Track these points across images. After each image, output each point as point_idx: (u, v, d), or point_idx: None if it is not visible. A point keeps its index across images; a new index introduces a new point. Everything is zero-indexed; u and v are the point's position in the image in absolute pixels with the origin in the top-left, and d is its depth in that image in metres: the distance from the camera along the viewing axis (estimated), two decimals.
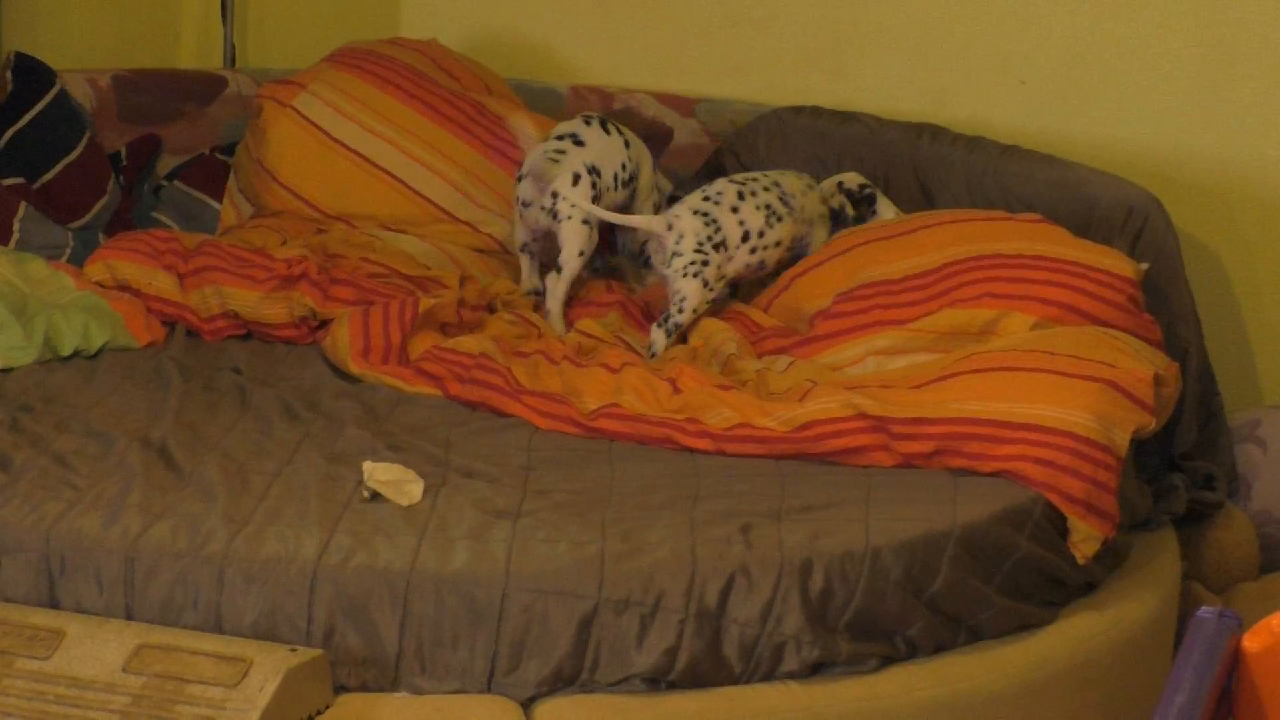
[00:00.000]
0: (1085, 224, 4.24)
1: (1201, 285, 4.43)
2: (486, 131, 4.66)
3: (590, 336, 4.03)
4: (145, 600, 3.03)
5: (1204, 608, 2.47)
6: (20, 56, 4.64)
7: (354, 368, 3.87)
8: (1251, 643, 2.44)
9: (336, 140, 4.60)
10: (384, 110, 4.63)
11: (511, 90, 4.93)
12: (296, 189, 4.58)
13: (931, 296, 3.98)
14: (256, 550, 3.05)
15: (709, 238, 4.09)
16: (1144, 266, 4.11)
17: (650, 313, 4.23)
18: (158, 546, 3.05)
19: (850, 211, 4.39)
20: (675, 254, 4.09)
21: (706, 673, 3.08)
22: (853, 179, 4.44)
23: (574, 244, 4.20)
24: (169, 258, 4.19)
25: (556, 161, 4.25)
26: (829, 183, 4.44)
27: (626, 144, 4.38)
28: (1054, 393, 3.59)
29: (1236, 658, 2.45)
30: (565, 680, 3.03)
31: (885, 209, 4.41)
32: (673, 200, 4.36)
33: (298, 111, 4.64)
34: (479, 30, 5.21)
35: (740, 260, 4.14)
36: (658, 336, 4.06)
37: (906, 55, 4.87)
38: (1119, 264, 4.00)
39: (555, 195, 4.22)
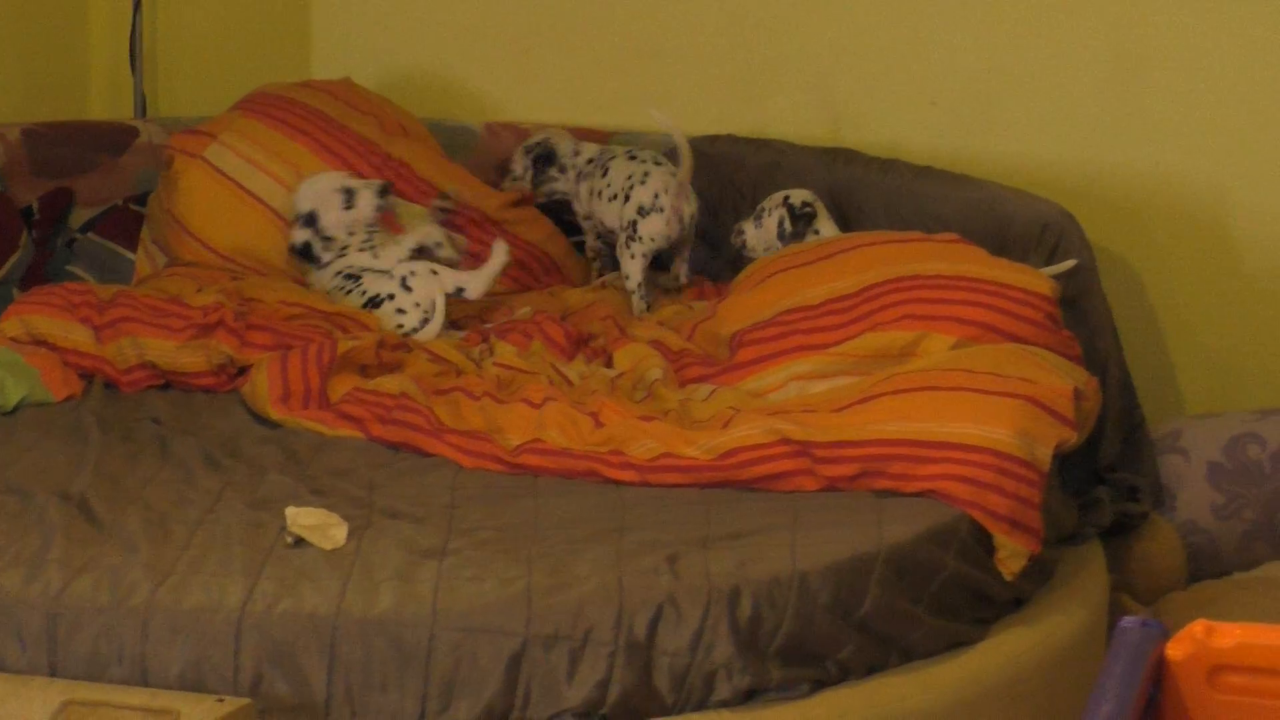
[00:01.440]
0: (1001, 242, 4.26)
1: (1118, 298, 4.45)
2: (396, 181, 4.65)
3: (510, 368, 4.02)
4: (69, 656, 3.00)
5: (1127, 617, 2.48)
6: None
7: (274, 413, 3.85)
8: (1175, 651, 2.45)
9: (247, 191, 4.59)
10: (294, 160, 4.62)
11: (427, 129, 4.93)
12: (207, 240, 4.56)
13: (851, 320, 3.99)
14: (180, 600, 3.03)
15: None
16: (1070, 264, 4.14)
17: (576, 338, 4.24)
18: (80, 601, 3.02)
19: (789, 226, 4.41)
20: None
21: (639, 705, 3.06)
22: (799, 195, 4.47)
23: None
24: (84, 310, 4.16)
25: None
26: (777, 194, 4.49)
27: None
28: (975, 411, 3.60)
29: (1161, 666, 2.46)
30: (497, 718, 3.02)
31: (827, 227, 4.43)
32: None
33: (208, 162, 4.62)
34: (393, 69, 5.21)
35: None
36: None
37: (818, 81, 4.89)
38: (1036, 282, 4.02)
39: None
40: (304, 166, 4.60)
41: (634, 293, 4.50)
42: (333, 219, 4.40)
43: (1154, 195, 4.64)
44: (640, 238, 4.48)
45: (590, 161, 4.69)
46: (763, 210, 4.47)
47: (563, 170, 4.74)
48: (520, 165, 4.76)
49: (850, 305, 4.02)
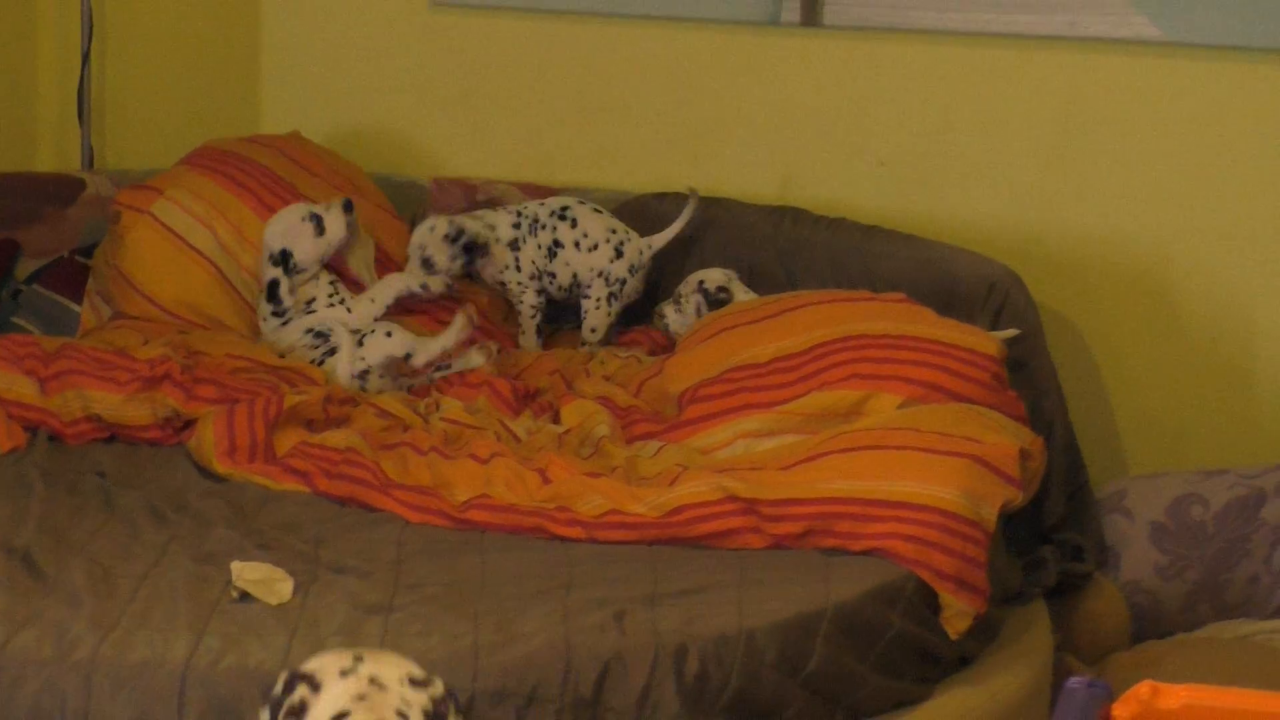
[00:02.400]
0: (947, 301, 4.28)
1: (1063, 359, 4.48)
2: None
3: (457, 424, 4.02)
4: (11, 711, 2.97)
5: (1073, 677, 2.48)
6: None
7: (220, 467, 3.84)
8: (1121, 711, 2.46)
9: (192, 247, 4.58)
10: (237, 219, 4.61)
11: (375, 185, 4.93)
12: (153, 295, 4.55)
13: (799, 379, 4.00)
14: (125, 655, 3.01)
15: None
16: (1013, 333, 4.16)
17: (523, 393, 4.23)
18: (23, 655, 3.00)
19: (705, 311, 4.47)
20: None
21: None
22: (713, 279, 4.52)
23: None
24: (29, 363, 4.14)
25: None
26: (692, 276, 4.55)
27: None
28: (921, 470, 3.61)
29: None
30: None
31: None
32: None
33: (155, 218, 4.60)
34: (341, 123, 5.21)
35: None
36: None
37: (765, 139, 4.91)
38: (982, 342, 4.04)
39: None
40: (247, 226, 4.59)
41: (598, 346, 4.55)
42: (307, 249, 4.44)
43: (1098, 257, 4.67)
44: (623, 295, 4.56)
45: (535, 221, 4.62)
46: (680, 295, 4.54)
47: (487, 252, 4.59)
48: (447, 254, 4.55)
49: (798, 364, 4.04)
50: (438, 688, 2.58)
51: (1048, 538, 4.17)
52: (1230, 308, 4.61)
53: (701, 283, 4.51)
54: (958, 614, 3.48)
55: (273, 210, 4.60)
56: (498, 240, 4.60)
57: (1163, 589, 4.29)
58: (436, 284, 4.51)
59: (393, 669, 2.57)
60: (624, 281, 4.56)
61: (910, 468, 3.62)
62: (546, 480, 3.72)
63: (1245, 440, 4.61)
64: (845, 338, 4.06)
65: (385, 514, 3.67)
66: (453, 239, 4.51)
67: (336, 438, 3.89)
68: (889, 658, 3.37)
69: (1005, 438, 3.76)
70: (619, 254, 4.56)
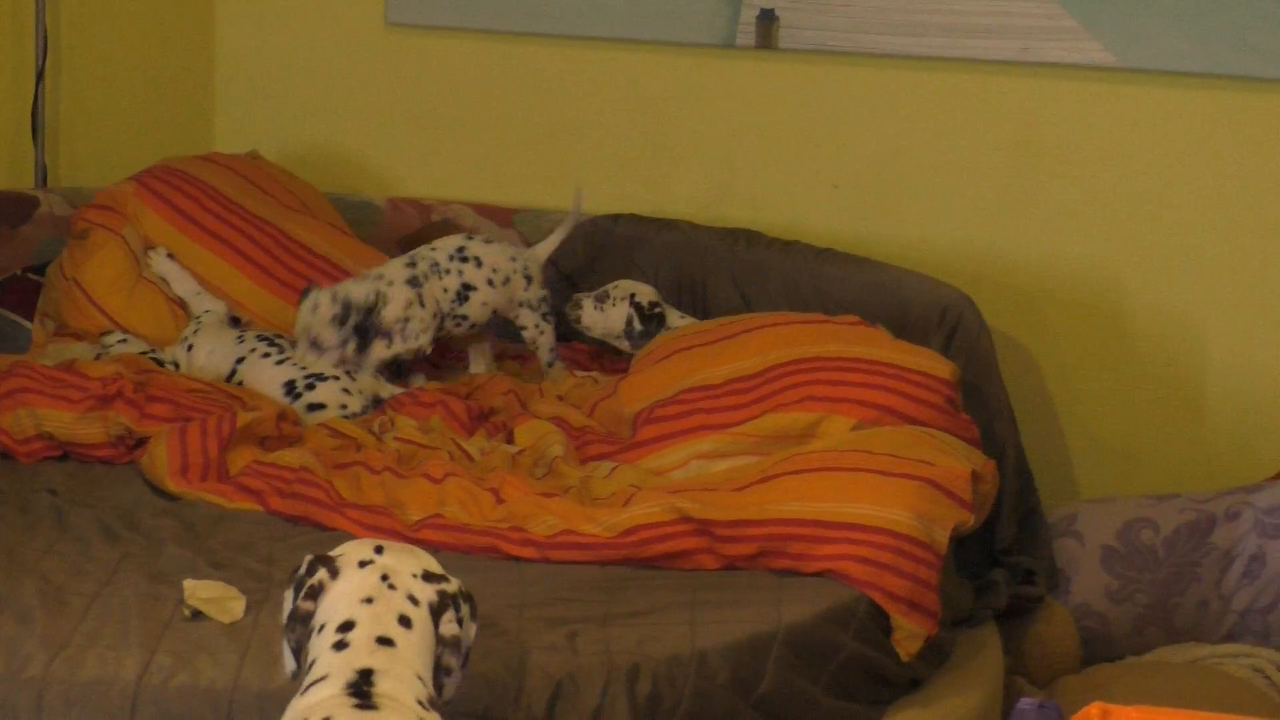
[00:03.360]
0: (900, 325, 4.29)
1: (1016, 382, 4.50)
2: (286, 266, 4.64)
3: (411, 443, 4.02)
4: None
5: (1024, 699, 2.49)
6: None
7: (172, 486, 3.83)
8: None
9: (147, 276, 4.58)
10: (179, 251, 4.61)
11: (330, 204, 4.93)
12: (108, 308, 4.53)
13: (753, 401, 4.01)
14: (76, 673, 3.00)
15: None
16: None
17: (476, 413, 4.23)
18: None
19: (638, 325, 4.48)
20: None
21: None
22: (646, 294, 4.53)
23: None
24: None
25: None
26: (624, 283, 4.54)
27: None
28: (874, 492, 3.62)
29: None
30: None
31: (677, 323, 4.50)
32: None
33: (125, 241, 4.60)
34: (295, 143, 5.20)
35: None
36: None
37: (720, 162, 4.93)
38: (936, 365, 4.06)
39: None
40: (190, 260, 4.59)
41: (556, 361, 4.53)
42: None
43: (1050, 282, 4.69)
44: (551, 310, 4.51)
45: (434, 265, 4.40)
46: (607, 295, 4.54)
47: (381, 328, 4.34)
48: (336, 336, 4.31)
49: (752, 386, 4.04)
50: (452, 585, 2.74)
51: (999, 561, 4.18)
52: (1182, 333, 4.64)
53: (634, 295, 4.51)
54: (909, 636, 3.49)
55: (220, 239, 4.62)
56: (390, 284, 4.33)
57: (1113, 612, 4.30)
58: (327, 365, 4.29)
59: (409, 563, 2.74)
60: (545, 298, 4.50)
61: (863, 490, 3.63)
62: (500, 500, 3.72)
63: (1196, 465, 4.63)
64: (799, 360, 4.07)
65: (338, 533, 3.66)
66: (341, 320, 4.27)
67: (289, 457, 3.88)
68: (841, 679, 3.38)
69: (957, 461, 3.77)
70: (529, 279, 4.49)
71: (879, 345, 4.10)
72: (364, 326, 4.29)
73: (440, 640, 2.70)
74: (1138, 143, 4.63)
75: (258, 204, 4.75)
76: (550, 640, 3.18)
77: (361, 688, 2.58)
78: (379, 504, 3.72)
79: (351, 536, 3.61)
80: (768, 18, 4.81)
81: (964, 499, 3.70)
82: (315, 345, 4.29)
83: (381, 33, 5.16)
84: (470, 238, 4.51)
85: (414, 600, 2.70)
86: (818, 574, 3.51)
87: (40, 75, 5.17)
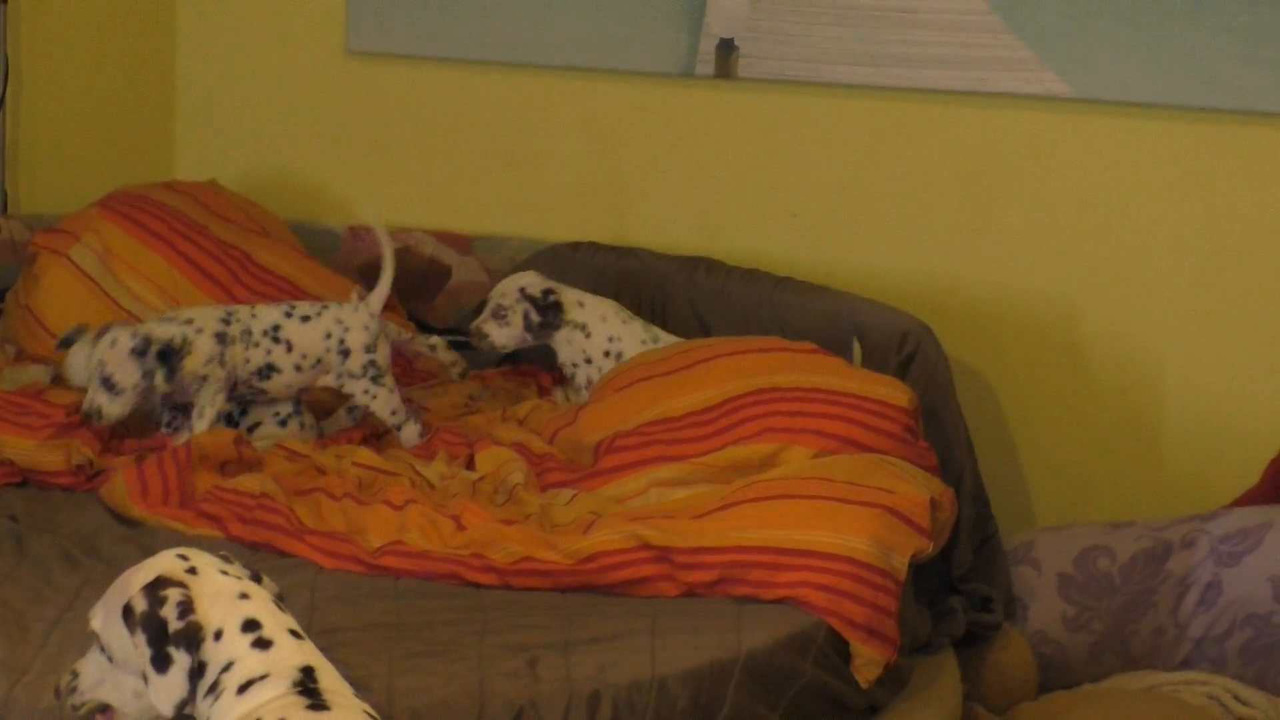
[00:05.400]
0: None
1: (974, 411, 4.52)
2: (248, 288, 4.64)
3: (371, 469, 4.02)
4: None
5: None
6: None
7: (134, 510, 3.82)
8: None
9: (107, 294, 4.58)
10: (146, 269, 4.61)
11: (290, 232, 4.93)
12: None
13: (713, 433, 4.02)
14: (37, 699, 2.99)
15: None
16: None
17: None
18: None
19: (535, 318, 4.44)
20: None
21: None
22: (534, 284, 4.48)
23: None
24: None
25: None
26: (508, 287, 4.48)
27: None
28: (833, 519, 3.64)
29: None
30: None
31: (578, 311, 4.47)
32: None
33: (72, 261, 4.60)
34: (255, 171, 5.21)
35: None
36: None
37: (680, 190, 4.95)
38: (894, 393, 4.07)
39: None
40: (158, 277, 4.59)
41: (405, 421, 4.31)
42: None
43: (1006, 309, 4.72)
44: (383, 370, 4.28)
45: (246, 331, 4.21)
46: (502, 308, 4.45)
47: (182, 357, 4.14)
48: (137, 370, 4.06)
49: (711, 418, 4.06)
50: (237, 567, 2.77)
51: (956, 588, 4.20)
52: (1138, 361, 4.66)
53: (523, 289, 4.46)
54: (868, 663, 3.50)
55: (186, 259, 4.62)
56: (199, 331, 4.13)
57: (1069, 640, 4.32)
58: (114, 409, 4.04)
59: (210, 557, 2.78)
60: (371, 362, 4.26)
61: (822, 517, 3.64)
62: (461, 527, 3.73)
63: (1152, 492, 4.66)
64: (757, 391, 4.08)
65: (298, 560, 3.66)
66: (140, 352, 4.04)
67: (250, 483, 3.88)
68: (800, 706, 3.39)
69: (916, 488, 3.79)
70: (345, 353, 4.25)
71: (837, 374, 4.12)
72: (168, 352, 4.06)
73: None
74: (1093, 172, 4.66)
75: (220, 229, 4.75)
76: (511, 666, 3.19)
77: (308, 685, 2.60)
78: (340, 530, 3.72)
79: (312, 563, 3.64)
80: (727, 47, 4.84)
81: (923, 526, 3.72)
82: (107, 384, 4.02)
83: (342, 61, 5.17)
84: (290, 314, 4.25)
85: (257, 579, 2.76)
86: (777, 601, 3.52)
87: (1, 101, 5.16)
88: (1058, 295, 4.70)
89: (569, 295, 4.49)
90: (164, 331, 4.10)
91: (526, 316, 4.44)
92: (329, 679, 2.62)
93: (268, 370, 4.22)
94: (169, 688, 2.66)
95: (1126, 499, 4.66)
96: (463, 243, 4.94)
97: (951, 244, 4.75)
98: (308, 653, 2.66)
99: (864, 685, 3.50)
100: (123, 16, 5.30)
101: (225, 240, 4.72)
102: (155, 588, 2.69)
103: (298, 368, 4.24)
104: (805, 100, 4.84)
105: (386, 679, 3.10)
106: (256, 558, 3.67)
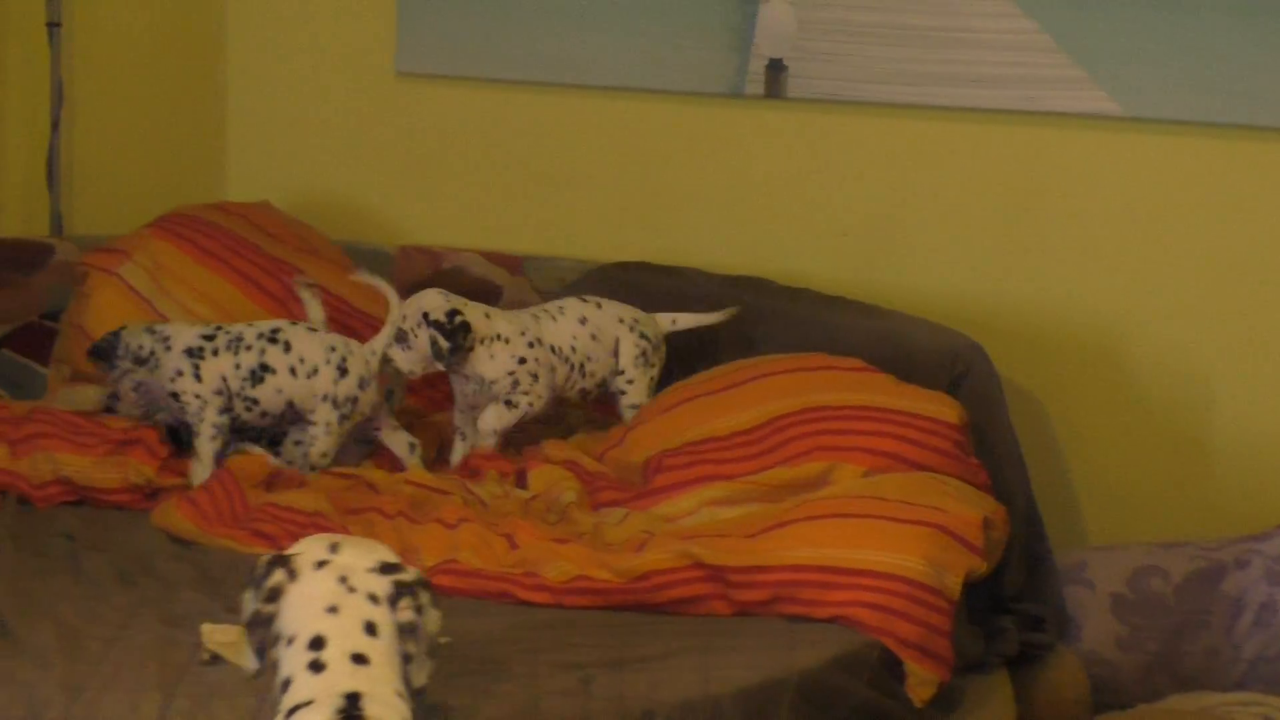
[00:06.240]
0: (908, 373, 4.29)
1: (1024, 430, 4.50)
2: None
3: (424, 487, 4.04)
4: None
5: None
6: None
7: (187, 530, 3.84)
8: None
9: (158, 312, 4.60)
10: (200, 285, 4.63)
11: (342, 252, 4.95)
12: None
13: (761, 453, 4.02)
14: (94, 715, 3.01)
15: None
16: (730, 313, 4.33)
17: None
18: None
19: (444, 344, 4.16)
20: None
21: None
22: (436, 307, 4.20)
23: None
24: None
25: None
26: (411, 309, 4.20)
27: None
28: (885, 538, 3.63)
29: None
30: None
31: (486, 324, 4.25)
32: None
33: (122, 280, 4.63)
34: (306, 193, 5.23)
35: None
36: None
37: (729, 209, 4.95)
38: (943, 409, 4.07)
39: None
40: (211, 292, 4.61)
41: (312, 465, 4.22)
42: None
43: (1058, 329, 4.71)
44: (353, 414, 4.22)
45: (237, 338, 4.23)
46: (406, 332, 4.20)
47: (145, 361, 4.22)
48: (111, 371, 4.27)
49: (759, 438, 4.06)
50: (408, 574, 2.74)
51: (1008, 607, 4.19)
52: (1188, 380, 4.65)
53: (426, 314, 4.19)
54: (922, 682, 3.49)
55: (241, 274, 4.63)
56: (168, 349, 4.20)
57: (1122, 660, 4.31)
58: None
59: (364, 558, 2.73)
60: (354, 400, 4.20)
61: (874, 536, 3.64)
62: (514, 545, 3.73)
63: (1203, 511, 4.64)
64: (804, 409, 4.08)
65: None
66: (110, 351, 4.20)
67: (303, 500, 3.90)
68: None
69: (968, 507, 3.79)
70: (343, 373, 4.20)
71: (885, 391, 4.12)
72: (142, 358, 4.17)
73: (399, 629, 2.72)
74: (1142, 191, 4.65)
75: (273, 248, 4.78)
76: (564, 685, 3.19)
77: (351, 713, 2.59)
78: (394, 549, 3.72)
79: None
80: (776, 67, 4.84)
81: (975, 545, 3.71)
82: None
83: (392, 82, 5.19)
84: (294, 323, 4.27)
85: (374, 599, 2.71)
86: (830, 620, 3.52)
87: (55, 124, 5.20)
88: (1108, 314, 4.68)
89: (474, 311, 4.25)
90: (135, 341, 4.20)
91: (434, 344, 4.16)
92: (377, 708, 2.62)
93: (261, 371, 4.19)
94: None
95: (1177, 518, 4.64)
96: (513, 263, 4.95)
97: (1001, 263, 4.75)
98: (361, 679, 2.64)
99: (918, 705, 3.50)
100: (174, 40, 5.33)
101: (278, 258, 4.74)
102: (272, 564, 2.73)
103: (293, 370, 4.20)
104: (854, 120, 4.84)
105: (440, 698, 3.11)
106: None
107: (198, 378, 4.18)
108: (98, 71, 5.29)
